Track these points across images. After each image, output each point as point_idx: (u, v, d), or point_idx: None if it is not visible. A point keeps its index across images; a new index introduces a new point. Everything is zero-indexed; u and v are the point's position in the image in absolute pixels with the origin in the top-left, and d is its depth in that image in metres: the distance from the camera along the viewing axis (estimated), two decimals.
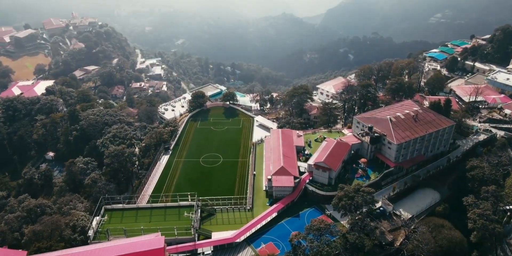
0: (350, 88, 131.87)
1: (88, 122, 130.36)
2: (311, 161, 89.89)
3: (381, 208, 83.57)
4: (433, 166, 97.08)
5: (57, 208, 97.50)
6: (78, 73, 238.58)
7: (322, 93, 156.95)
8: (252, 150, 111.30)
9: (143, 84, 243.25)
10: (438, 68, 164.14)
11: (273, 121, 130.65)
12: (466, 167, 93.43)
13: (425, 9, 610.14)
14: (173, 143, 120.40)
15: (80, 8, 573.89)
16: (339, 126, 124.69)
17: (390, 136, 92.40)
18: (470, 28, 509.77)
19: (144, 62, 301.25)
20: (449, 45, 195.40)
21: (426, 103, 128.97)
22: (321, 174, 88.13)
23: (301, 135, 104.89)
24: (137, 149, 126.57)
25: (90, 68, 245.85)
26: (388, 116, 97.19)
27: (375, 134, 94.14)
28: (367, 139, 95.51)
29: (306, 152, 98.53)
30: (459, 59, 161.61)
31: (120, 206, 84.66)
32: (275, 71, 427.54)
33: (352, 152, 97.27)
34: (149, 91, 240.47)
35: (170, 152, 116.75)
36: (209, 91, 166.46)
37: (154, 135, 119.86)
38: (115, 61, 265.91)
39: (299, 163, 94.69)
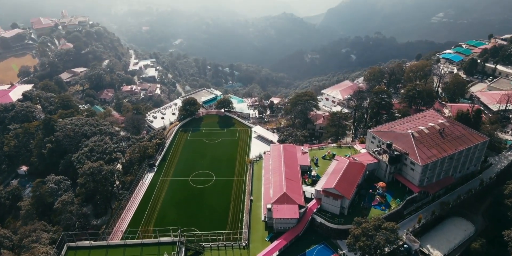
0: (360, 94, 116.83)
1: (64, 133, 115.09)
2: (319, 186, 74.70)
3: (405, 246, 68.61)
4: (463, 190, 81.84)
5: (19, 239, 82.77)
6: (65, 76, 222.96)
7: (327, 99, 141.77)
8: (249, 167, 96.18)
9: (134, 87, 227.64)
10: (455, 71, 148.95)
11: (273, 132, 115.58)
12: (504, 192, 78.30)
13: (427, 8, 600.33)
14: (159, 158, 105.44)
15: (76, 7, 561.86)
16: (348, 139, 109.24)
17: (413, 155, 77.31)
18: (472, 28, 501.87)
19: (137, 63, 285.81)
20: (463, 46, 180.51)
21: (447, 112, 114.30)
22: (331, 203, 72.99)
23: (306, 152, 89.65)
24: (119, 165, 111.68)
25: (78, 70, 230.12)
26: (410, 131, 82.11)
27: (395, 153, 79.02)
28: (385, 158, 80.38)
29: (312, 173, 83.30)
30: (478, 61, 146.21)
31: (86, 243, 69.35)
32: (275, 72, 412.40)
33: (367, 172, 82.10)
34: (141, 94, 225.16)
35: (156, 169, 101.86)
36: (203, 96, 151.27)
37: (137, 149, 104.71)
38: (105, 62, 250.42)
39: (305, 187, 79.50)
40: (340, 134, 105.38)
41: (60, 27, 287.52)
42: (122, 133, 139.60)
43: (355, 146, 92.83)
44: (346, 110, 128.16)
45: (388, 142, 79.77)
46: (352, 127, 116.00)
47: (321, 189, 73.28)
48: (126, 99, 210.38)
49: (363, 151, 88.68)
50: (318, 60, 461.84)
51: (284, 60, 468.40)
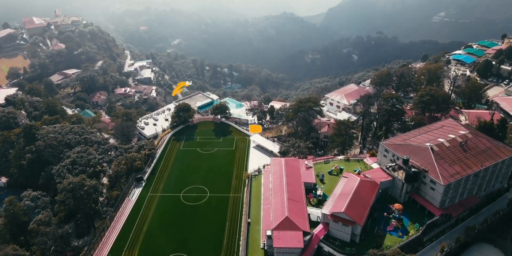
0: (367, 99, 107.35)
1: (46, 143, 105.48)
2: (326, 209, 65.10)
3: None
4: (489, 211, 72.21)
5: None
6: (55, 78, 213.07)
7: (331, 104, 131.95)
8: (247, 182, 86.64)
9: (128, 89, 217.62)
10: (468, 73, 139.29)
11: (274, 141, 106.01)
12: None
13: (428, 8, 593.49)
14: (149, 171, 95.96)
15: (73, 6, 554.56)
16: (356, 150, 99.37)
17: (433, 173, 67.72)
18: (475, 28, 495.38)
19: (133, 64, 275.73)
20: (474, 46, 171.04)
21: (463, 119, 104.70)
22: (341, 229, 63.43)
23: (311, 167, 80.00)
24: (105, 179, 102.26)
25: (70, 71, 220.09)
26: (428, 144, 72.48)
27: (413, 169, 69.39)
28: (401, 175, 70.82)
29: (318, 193, 73.61)
30: (493, 62, 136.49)
31: None
32: (276, 73, 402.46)
33: (380, 190, 72.45)
34: (135, 97, 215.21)
35: (144, 184, 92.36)
36: (198, 101, 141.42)
37: (123, 161, 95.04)
38: (99, 63, 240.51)
39: (309, 209, 69.94)
40: (348, 144, 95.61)
41: (52, 27, 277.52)
42: (111, 141, 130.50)
43: (365, 160, 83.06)
44: (352, 117, 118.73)
45: (405, 158, 70.15)
46: (359, 135, 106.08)
47: (328, 213, 63.74)
48: (120, 102, 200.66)
49: (375, 166, 79.06)
50: (319, 61, 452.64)
51: (284, 60, 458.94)
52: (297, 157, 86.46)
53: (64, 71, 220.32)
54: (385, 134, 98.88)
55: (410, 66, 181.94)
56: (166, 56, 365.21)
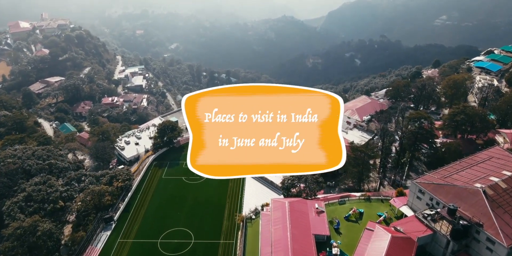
0: (386, 117, 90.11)
1: (1, 170, 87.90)
2: None
3: None
4: None
5: None
6: (36, 86, 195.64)
7: None
8: (241, 226, 69.02)
9: (116, 99, 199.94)
10: (495, 83, 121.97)
11: None
12: None
13: (430, 11, 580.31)
14: (121, 208, 78.28)
15: (68, 9, 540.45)
16: (375, 183, 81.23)
17: (491, 228, 50.05)
18: (478, 31, 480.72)
19: (124, 71, 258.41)
20: (495, 51, 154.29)
21: (501, 141, 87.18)
22: None
23: (323, 211, 62.15)
24: (71, 216, 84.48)
25: (53, 79, 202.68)
26: (479, 185, 54.86)
27: (461, 222, 51.70)
28: (445, 228, 53.10)
29: (333, 251, 55.53)
30: None
31: None
32: (276, 78, 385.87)
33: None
34: (124, 107, 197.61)
35: (114, 225, 74.63)
36: None
37: (90, 197, 77.42)
38: (85, 70, 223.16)
39: None
40: (365, 175, 77.74)
41: (37, 31, 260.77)
42: (87, 162, 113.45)
43: (391, 201, 65.12)
44: (366, 135, 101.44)
45: (451, 207, 52.45)
46: (378, 161, 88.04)
47: None
48: (106, 113, 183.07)
49: (405, 210, 61.22)
50: (321, 65, 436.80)
51: (284, 65, 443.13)
52: (304, 194, 68.65)
53: (47, 79, 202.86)
54: (409, 162, 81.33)
55: (422, 72, 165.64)
56: (161, 61, 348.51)
